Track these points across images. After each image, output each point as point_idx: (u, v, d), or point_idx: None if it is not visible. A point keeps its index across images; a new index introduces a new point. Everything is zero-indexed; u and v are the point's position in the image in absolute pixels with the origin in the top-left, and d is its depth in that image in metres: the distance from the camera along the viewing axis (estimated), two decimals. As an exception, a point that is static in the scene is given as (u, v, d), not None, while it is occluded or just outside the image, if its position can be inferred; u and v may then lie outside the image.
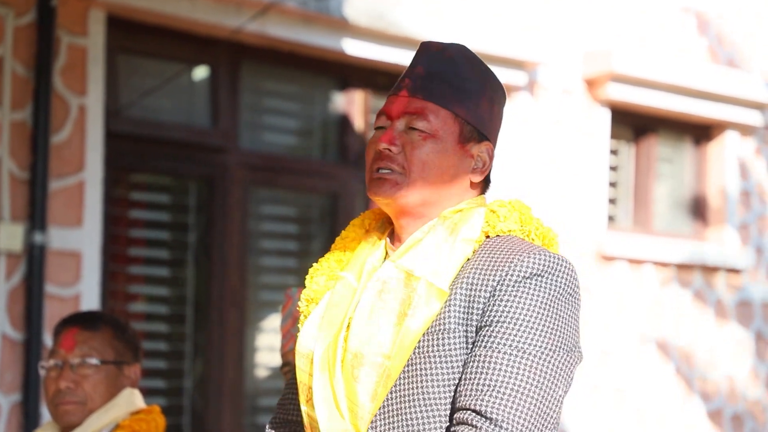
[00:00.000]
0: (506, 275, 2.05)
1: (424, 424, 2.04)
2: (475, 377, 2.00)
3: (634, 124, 7.73)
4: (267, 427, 2.35)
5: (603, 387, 7.36)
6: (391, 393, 2.06)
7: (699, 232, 8.06)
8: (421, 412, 2.04)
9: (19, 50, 5.39)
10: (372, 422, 2.07)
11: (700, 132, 8.04)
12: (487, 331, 2.03)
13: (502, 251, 2.09)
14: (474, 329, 2.05)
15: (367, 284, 2.15)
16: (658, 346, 7.61)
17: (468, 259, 2.11)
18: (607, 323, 7.37)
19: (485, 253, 2.11)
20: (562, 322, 2.05)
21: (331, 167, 6.54)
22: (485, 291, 2.05)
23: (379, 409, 2.07)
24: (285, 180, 6.42)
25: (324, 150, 6.65)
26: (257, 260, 6.36)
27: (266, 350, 6.38)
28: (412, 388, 2.05)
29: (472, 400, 1.98)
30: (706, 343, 7.87)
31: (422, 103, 2.17)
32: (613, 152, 7.66)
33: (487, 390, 1.98)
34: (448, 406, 2.04)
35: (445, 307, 2.06)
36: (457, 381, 2.04)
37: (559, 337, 2.04)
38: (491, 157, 2.23)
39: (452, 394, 2.04)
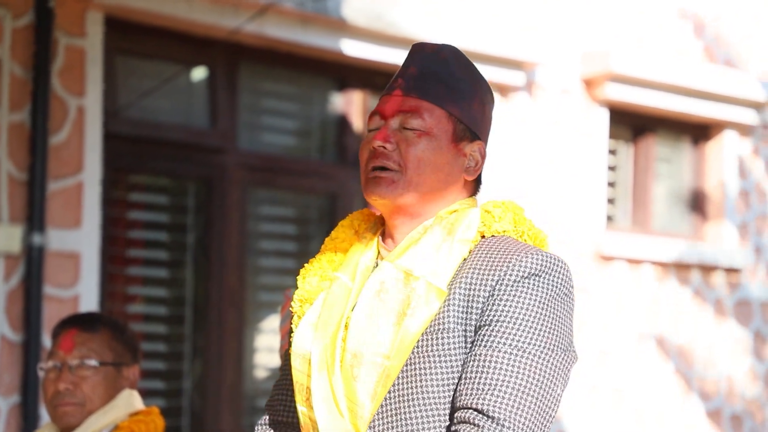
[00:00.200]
0: (505, 275, 2.06)
1: (423, 423, 2.05)
2: (475, 376, 2.01)
3: (632, 124, 7.74)
4: (256, 429, 2.36)
5: (602, 387, 7.36)
6: (390, 392, 2.07)
7: (697, 232, 8.07)
8: (420, 411, 2.05)
9: (17, 51, 5.39)
10: (371, 422, 2.08)
11: (699, 132, 8.04)
12: (487, 330, 2.04)
13: (499, 251, 2.11)
14: (473, 328, 2.06)
15: (365, 284, 2.16)
16: (657, 346, 7.62)
17: (465, 259, 2.13)
18: (606, 323, 7.37)
19: (482, 253, 2.13)
20: (559, 322, 2.07)
21: (329, 168, 6.54)
22: (484, 290, 2.07)
23: (379, 408, 2.08)
24: (283, 180, 6.42)
25: (322, 150, 6.65)
26: (256, 261, 6.36)
27: (265, 351, 6.38)
28: (412, 388, 2.06)
29: (473, 399, 2.00)
30: (704, 343, 7.87)
31: (417, 101, 2.19)
32: (612, 152, 7.66)
33: (488, 389, 1.99)
34: (448, 405, 2.05)
35: (444, 307, 2.07)
36: (456, 380, 2.05)
37: (557, 336, 2.06)
38: (483, 157, 2.25)
39: (451, 393, 2.05)
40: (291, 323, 2.29)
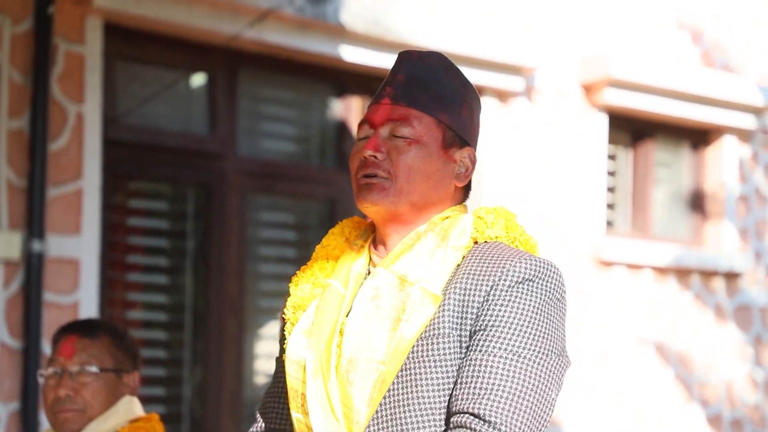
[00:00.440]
0: (499, 280, 2.08)
1: (418, 427, 2.06)
2: (471, 381, 2.03)
3: (631, 129, 7.74)
4: None
5: (602, 390, 7.35)
6: (385, 397, 2.09)
7: (697, 237, 8.06)
8: (416, 416, 2.06)
9: (16, 58, 5.39)
10: (367, 427, 2.09)
11: (698, 137, 8.05)
12: (482, 335, 2.06)
13: (492, 257, 2.13)
14: (468, 333, 2.08)
15: (360, 290, 2.17)
16: (657, 351, 7.61)
17: (458, 265, 2.15)
18: (605, 328, 7.37)
19: (475, 259, 2.14)
20: (553, 326, 2.09)
21: (328, 173, 6.54)
22: (479, 296, 2.08)
23: (374, 413, 2.09)
24: (283, 186, 6.42)
25: (322, 156, 6.65)
26: (255, 267, 6.36)
27: (265, 357, 6.37)
28: (407, 393, 2.07)
29: (469, 404, 2.01)
30: (705, 347, 7.87)
31: (406, 110, 2.20)
32: (611, 157, 7.66)
33: (485, 393, 2.01)
34: (443, 410, 2.06)
35: (438, 312, 2.09)
36: (451, 385, 2.07)
37: (551, 340, 2.08)
38: (473, 163, 2.27)
39: (447, 397, 2.06)
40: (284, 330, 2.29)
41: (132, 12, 5.69)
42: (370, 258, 2.24)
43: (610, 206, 7.67)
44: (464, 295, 2.09)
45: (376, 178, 2.17)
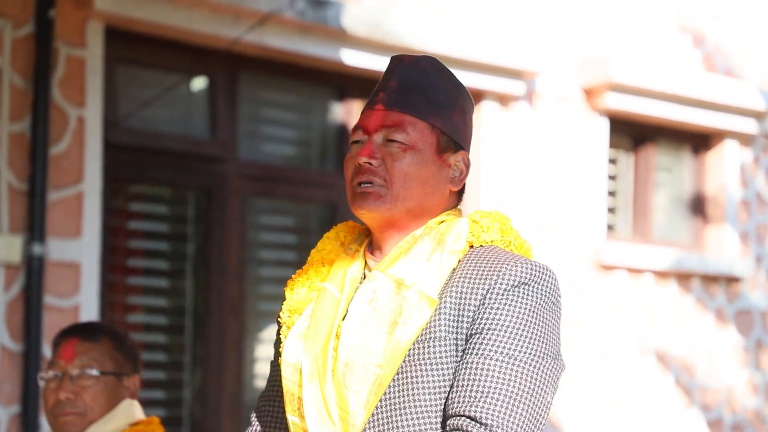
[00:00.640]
0: (495, 284, 2.09)
1: (415, 430, 2.07)
2: (468, 384, 2.04)
3: (632, 133, 7.74)
4: None
5: (602, 393, 7.35)
6: (382, 401, 2.09)
7: (698, 241, 8.06)
8: (412, 419, 2.07)
9: (17, 62, 5.39)
10: (363, 430, 2.10)
11: (699, 141, 8.05)
12: (478, 338, 2.07)
13: (488, 261, 2.14)
14: (464, 337, 2.09)
15: (356, 293, 2.18)
16: (658, 355, 7.61)
17: (454, 269, 2.16)
18: (606, 333, 7.36)
19: (471, 263, 2.15)
20: (548, 330, 2.10)
21: (329, 177, 6.54)
22: (475, 299, 2.09)
23: (370, 417, 2.10)
24: (283, 190, 6.42)
25: (322, 160, 6.65)
26: (256, 270, 6.36)
27: (265, 360, 6.37)
28: (404, 396, 2.08)
29: (466, 407, 2.02)
30: (705, 352, 7.86)
31: (399, 115, 2.20)
32: (612, 161, 7.66)
33: (481, 396, 2.02)
34: (440, 413, 2.07)
35: (435, 316, 2.10)
36: (447, 388, 2.07)
37: (547, 344, 2.09)
38: (467, 166, 2.27)
39: (443, 401, 2.07)
40: (280, 333, 2.29)
41: (133, 16, 5.69)
42: (366, 262, 2.25)
43: (611, 210, 7.67)
44: (460, 298, 2.10)
45: (371, 185, 2.18)
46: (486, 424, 1.99)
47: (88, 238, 5.56)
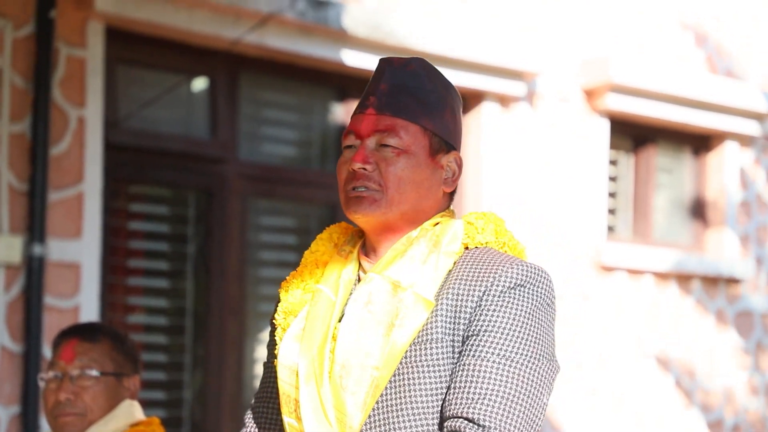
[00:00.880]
0: (492, 285, 2.10)
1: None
2: (465, 386, 2.04)
3: (633, 135, 7.74)
4: None
5: (602, 394, 7.35)
6: (378, 402, 2.10)
7: (698, 242, 8.06)
8: (409, 420, 2.08)
9: (17, 62, 5.39)
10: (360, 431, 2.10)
11: (700, 142, 8.04)
12: (475, 340, 2.08)
13: (484, 262, 2.14)
14: (461, 339, 2.10)
15: (353, 296, 2.18)
16: (658, 357, 7.61)
17: (450, 271, 2.16)
18: (606, 334, 7.36)
19: (467, 264, 2.16)
20: (544, 332, 2.11)
21: (329, 178, 6.54)
22: (471, 301, 2.10)
23: (367, 418, 2.10)
24: (284, 191, 6.42)
25: (323, 160, 6.65)
26: (256, 271, 6.36)
27: (266, 361, 6.37)
28: (400, 398, 2.09)
29: (463, 408, 2.03)
30: (705, 353, 7.86)
31: (392, 119, 2.20)
32: (613, 162, 7.66)
33: (478, 398, 2.02)
34: (436, 415, 2.08)
35: (431, 318, 2.10)
36: (444, 389, 2.08)
37: (542, 345, 2.10)
38: (460, 166, 2.27)
39: (440, 402, 2.08)
40: (274, 335, 2.29)
41: (133, 16, 5.69)
42: (359, 264, 2.25)
43: (612, 211, 7.67)
44: (456, 300, 2.11)
45: (366, 190, 2.18)
46: (484, 426, 2.00)
47: (89, 238, 5.56)
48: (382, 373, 2.09)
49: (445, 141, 2.24)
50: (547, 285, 2.14)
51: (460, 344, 2.09)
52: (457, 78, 6.62)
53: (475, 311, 2.09)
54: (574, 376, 7.16)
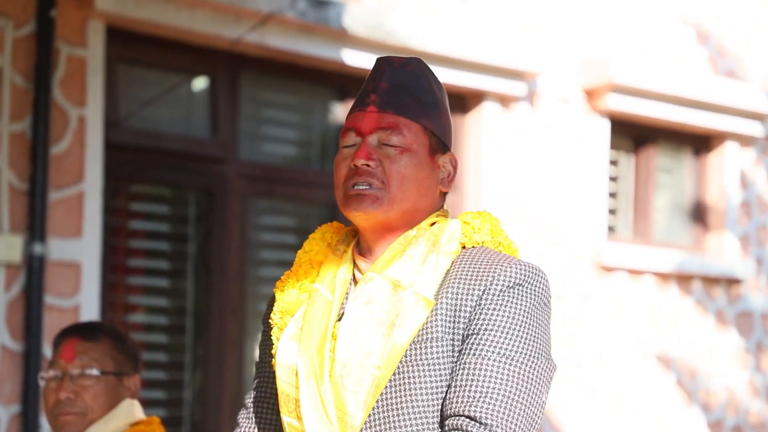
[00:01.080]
0: (490, 284, 2.12)
1: (412, 431, 2.09)
2: (465, 384, 2.06)
3: (633, 135, 7.74)
4: None
5: (602, 394, 7.35)
6: (379, 401, 2.11)
7: (699, 243, 8.06)
8: (409, 419, 2.09)
9: (18, 61, 5.39)
10: (361, 430, 2.11)
11: (700, 142, 8.04)
12: (475, 338, 2.10)
13: (481, 262, 2.16)
14: (460, 337, 2.11)
15: (352, 295, 2.19)
16: (658, 357, 7.61)
17: (448, 270, 2.17)
18: (606, 334, 7.36)
19: (465, 264, 2.17)
20: (541, 330, 2.13)
21: (329, 177, 6.51)
22: (470, 300, 2.12)
23: (368, 417, 2.11)
24: (284, 190, 6.42)
25: (323, 160, 6.65)
26: (257, 271, 6.36)
27: (266, 361, 6.37)
28: (401, 396, 2.10)
29: (464, 407, 2.04)
30: (705, 353, 7.86)
31: (394, 118, 2.21)
32: (613, 162, 7.66)
33: (479, 396, 2.04)
34: (437, 413, 2.09)
35: (431, 317, 2.12)
36: (444, 388, 2.09)
37: (540, 344, 2.12)
38: (455, 167, 2.29)
39: (440, 401, 2.10)
40: (269, 335, 2.28)
41: (134, 15, 5.69)
42: (355, 263, 2.25)
43: (612, 212, 7.67)
44: (456, 299, 2.12)
45: (369, 188, 2.18)
46: (485, 424, 2.02)
47: (89, 237, 5.56)
48: (383, 372, 2.10)
49: (443, 141, 2.25)
50: (544, 284, 2.16)
51: (460, 343, 2.10)
52: (457, 78, 6.63)
53: (474, 310, 2.10)
54: (574, 376, 7.16)
